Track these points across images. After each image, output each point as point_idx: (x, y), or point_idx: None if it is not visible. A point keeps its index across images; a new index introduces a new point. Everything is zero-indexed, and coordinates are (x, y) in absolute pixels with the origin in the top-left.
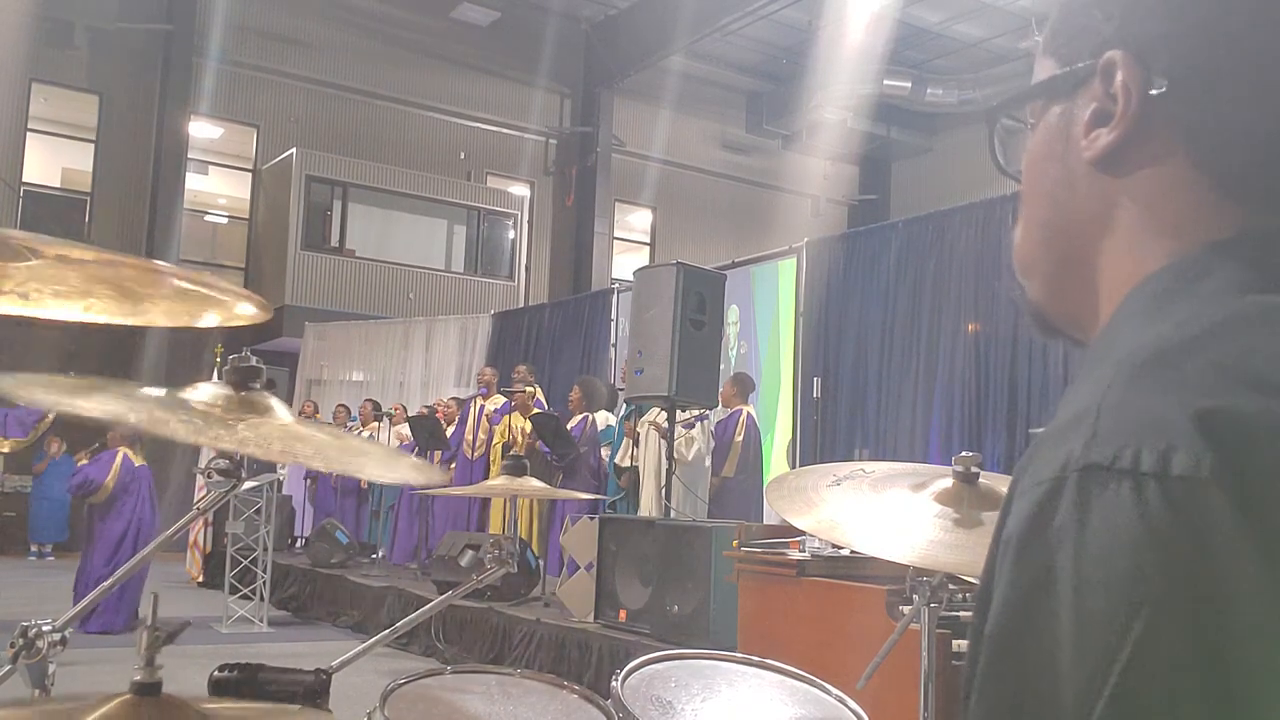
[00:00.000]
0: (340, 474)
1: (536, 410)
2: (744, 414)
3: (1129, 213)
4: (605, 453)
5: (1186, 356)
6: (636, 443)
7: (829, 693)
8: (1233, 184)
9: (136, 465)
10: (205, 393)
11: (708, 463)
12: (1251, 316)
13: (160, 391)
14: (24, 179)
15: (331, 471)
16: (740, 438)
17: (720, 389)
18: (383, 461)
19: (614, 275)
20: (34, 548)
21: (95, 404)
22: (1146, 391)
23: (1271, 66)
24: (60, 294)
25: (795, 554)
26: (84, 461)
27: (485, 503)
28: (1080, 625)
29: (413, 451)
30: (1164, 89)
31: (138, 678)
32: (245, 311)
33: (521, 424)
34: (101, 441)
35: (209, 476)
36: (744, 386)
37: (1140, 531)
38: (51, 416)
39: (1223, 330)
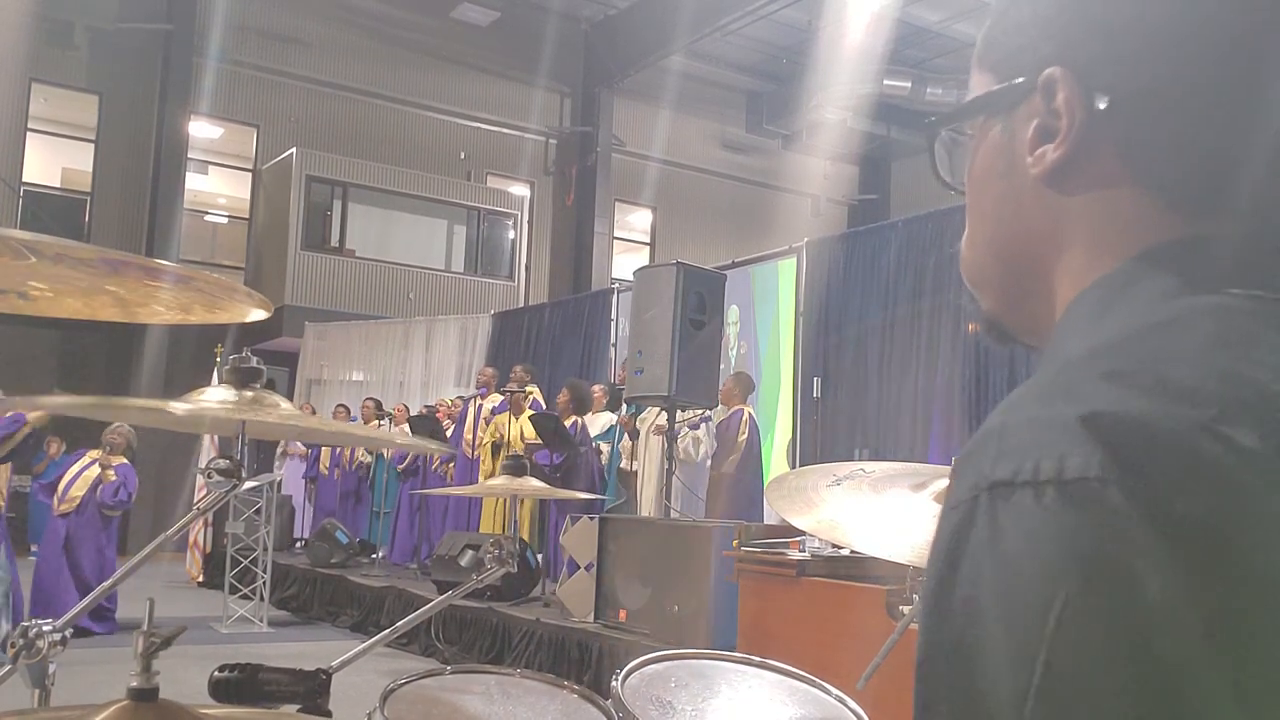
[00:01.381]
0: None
1: (532, 411)
2: (745, 414)
3: (1078, 228)
4: (605, 449)
5: (1087, 366)
6: (635, 438)
7: (829, 693)
8: (1176, 199)
9: None
10: (214, 396)
11: (708, 464)
12: (1168, 320)
13: (180, 404)
14: (24, 179)
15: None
16: (744, 437)
17: (720, 387)
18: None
19: (614, 275)
20: (34, 548)
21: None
22: (1043, 404)
23: (1209, 83)
24: (60, 294)
25: (795, 554)
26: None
27: (484, 502)
28: (1005, 633)
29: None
30: (1106, 106)
31: (134, 683)
32: (245, 311)
33: (514, 423)
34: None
35: (209, 476)
36: (744, 386)
37: (1044, 535)
38: (27, 427)
39: (1132, 338)
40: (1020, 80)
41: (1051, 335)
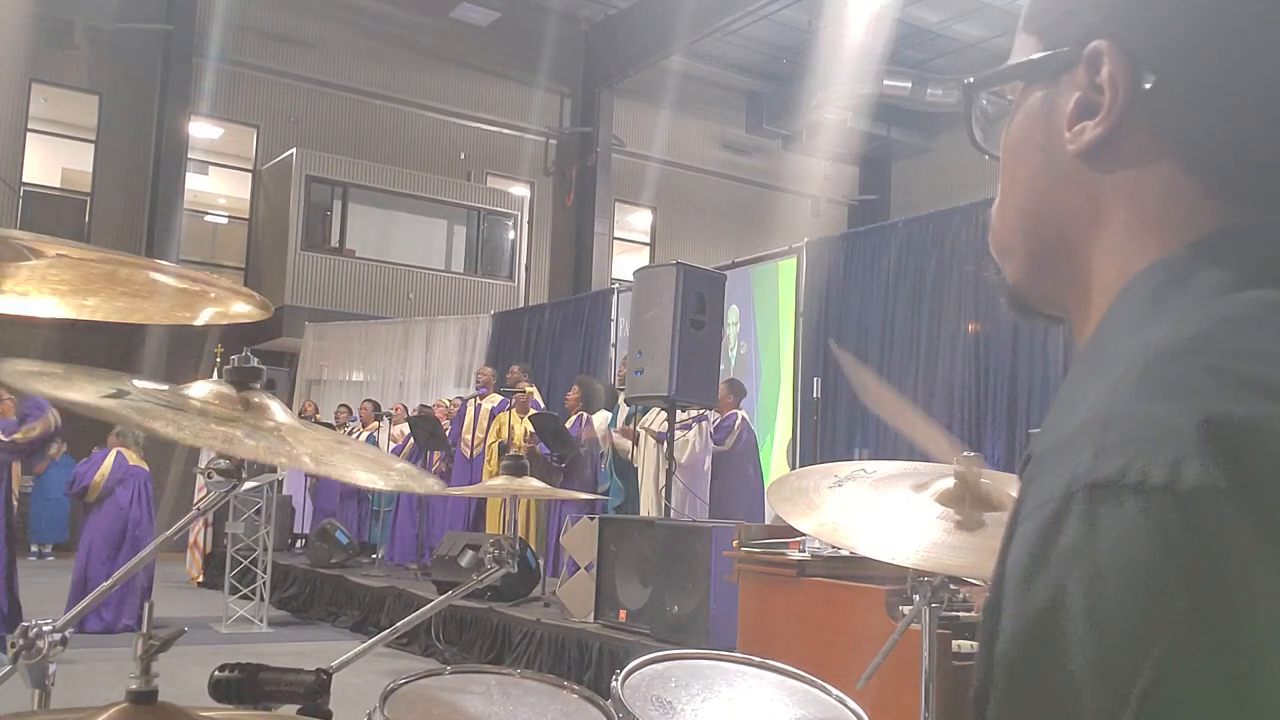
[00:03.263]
0: (333, 478)
1: (534, 410)
2: (739, 417)
3: (1116, 207)
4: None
5: (1185, 360)
6: (636, 442)
7: (829, 693)
8: (1219, 182)
9: (131, 465)
10: (203, 390)
11: (705, 465)
12: (1246, 315)
13: (158, 386)
14: (24, 179)
15: (321, 474)
16: (740, 438)
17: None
18: (377, 466)
19: (614, 275)
20: (34, 548)
21: (82, 394)
22: (1148, 399)
23: (1257, 65)
24: (60, 294)
25: (795, 554)
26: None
27: (484, 502)
28: (1100, 648)
29: (406, 445)
30: (1151, 84)
31: (134, 686)
32: (245, 311)
33: (519, 423)
34: (100, 443)
35: (209, 476)
36: (737, 392)
37: (1155, 550)
38: (43, 426)
39: (1219, 331)
40: (1065, 49)
41: (1083, 313)
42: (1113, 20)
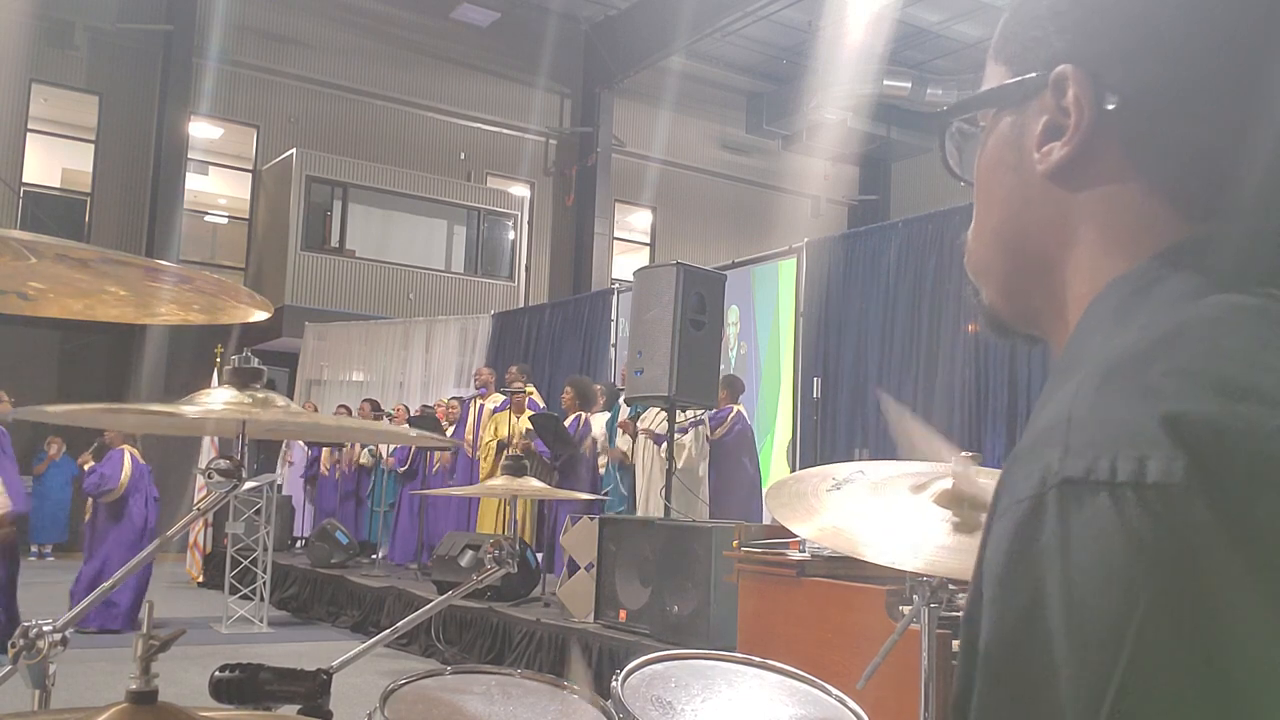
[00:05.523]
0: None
1: (531, 411)
2: (734, 410)
3: (1086, 225)
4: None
5: (1151, 362)
6: (635, 437)
7: (829, 693)
8: (1186, 198)
9: (140, 464)
10: (212, 400)
11: (701, 470)
12: (1211, 318)
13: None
14: (24, 179)
15: (343, 434)
16: (735, 428)
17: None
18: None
19: (614, 275)
20: (34, 548)
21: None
22: (1114, 399)
23: (1221, 85)
24: (60, 294)
25: (795, 554)
26: (89, 463)
27: (485, 502)
28: (1075, 643)
29: (410, 451)
30: (1115, 105)
31: (134, 686)
32: (245, 312)
33: (518, 423)
34: (99, 441)
35: (209, 477)
36: (734, 389)
37: (1123, 544)
38: None
39: (1184, 333)
40: (1032, 75)
41: (1059, 330)
42: (1078, 45)
